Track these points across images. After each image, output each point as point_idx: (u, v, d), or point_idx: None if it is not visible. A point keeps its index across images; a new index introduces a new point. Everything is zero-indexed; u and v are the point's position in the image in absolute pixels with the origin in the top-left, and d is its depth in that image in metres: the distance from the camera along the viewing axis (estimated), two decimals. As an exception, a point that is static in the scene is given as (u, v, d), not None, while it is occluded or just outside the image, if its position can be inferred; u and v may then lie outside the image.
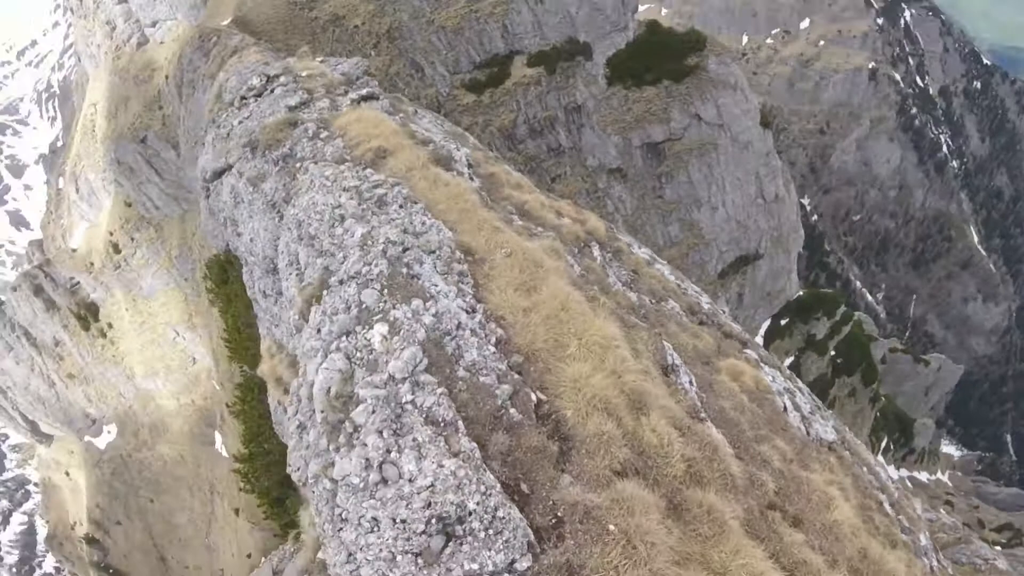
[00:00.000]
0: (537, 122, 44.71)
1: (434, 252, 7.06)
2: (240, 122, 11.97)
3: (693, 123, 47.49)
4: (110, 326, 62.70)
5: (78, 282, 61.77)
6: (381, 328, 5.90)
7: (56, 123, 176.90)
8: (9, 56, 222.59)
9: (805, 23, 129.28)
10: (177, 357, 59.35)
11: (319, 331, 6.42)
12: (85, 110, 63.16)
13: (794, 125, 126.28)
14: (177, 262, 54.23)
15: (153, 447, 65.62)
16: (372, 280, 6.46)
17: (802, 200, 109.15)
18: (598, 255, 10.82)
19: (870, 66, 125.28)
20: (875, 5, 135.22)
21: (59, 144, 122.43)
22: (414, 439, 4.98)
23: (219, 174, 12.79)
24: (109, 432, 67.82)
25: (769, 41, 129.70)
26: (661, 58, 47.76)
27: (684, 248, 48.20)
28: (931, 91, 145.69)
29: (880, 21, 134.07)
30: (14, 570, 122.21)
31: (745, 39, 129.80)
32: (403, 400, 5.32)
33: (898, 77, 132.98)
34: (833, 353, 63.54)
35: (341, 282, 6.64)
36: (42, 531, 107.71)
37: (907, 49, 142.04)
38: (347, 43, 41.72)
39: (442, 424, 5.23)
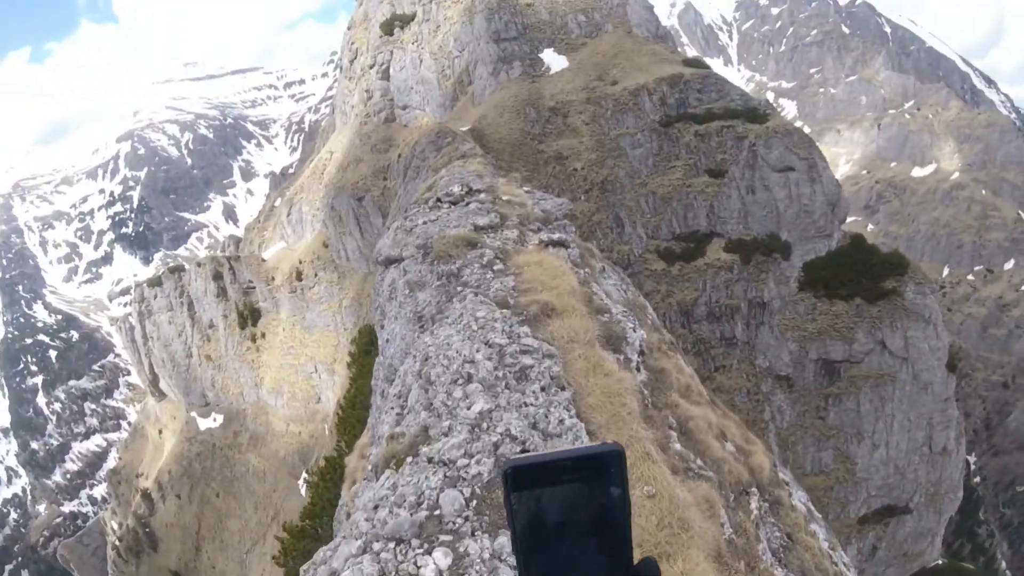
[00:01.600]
0: (719, 307, 43.18)
1: (562, 466, 5.41)
2: (424, 223, 11.37)
3: (876, 350, 43.81)
4: (263, 336, 66.69)
5: (254, 287, 66.90)
6: (441, 559, 4.27)
7: (295, 153, 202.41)
8: (277, 83, 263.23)
9: (1010, 263, 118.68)
10: (306, 390, 61.44)
11: (375, 509, 4.91)
12: (322, 153, 70.69)
13: (979, 373, 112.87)
14: (345, 312, 57.16)
15: (245, 452, 67.35)
16: (464, 481, 4.88)
17: (968, 457, 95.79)
18: (755, 508, 8.57)
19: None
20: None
21: (290, 171, 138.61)
22: None
23: (390, 262, 12.22)
24: (215, 420, 70.90)
25: (970, 277, 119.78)
26: (859, 274, 45.23)
27: (831, 480, 42.99)
28: None
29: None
30: (68, 475, 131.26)
31: (946, 271, 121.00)
32: None
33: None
34: (956, 640, 53.13)
35: (429, 461, 5.13)
36: (111, 462, 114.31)
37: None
38: (563, 181, 43.37)
39: None
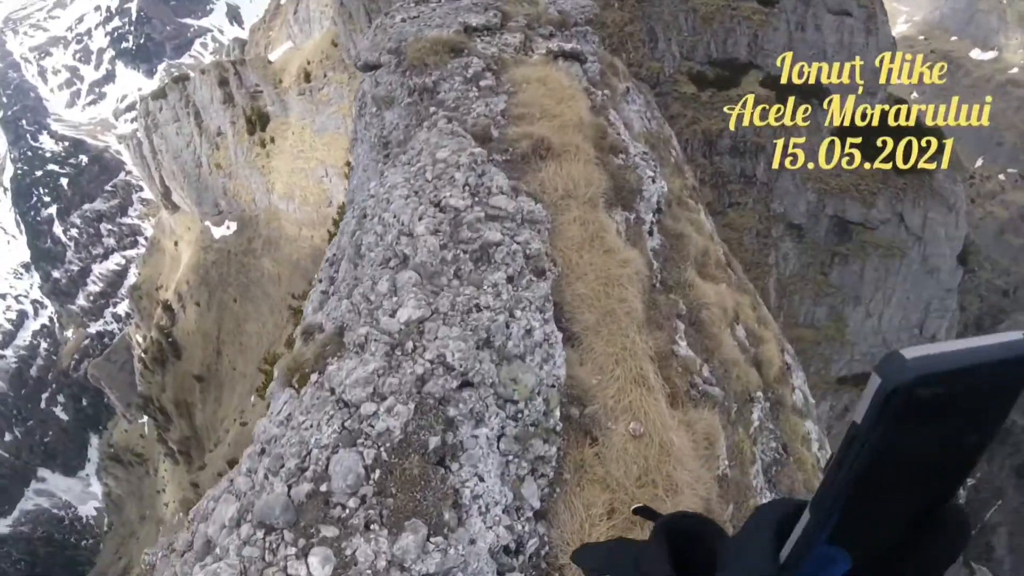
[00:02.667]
0: (743, 143, 39.89)
1: (517, 404, 3.53)
2: (403, 20, 8.63)
3: (893, 221, 41.70)
4: (272, 140, 63.81)
5: (261, 91, 62.82)
6: (317, 567, 2.59)
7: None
8: None
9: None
10: (317, 193, 59.77)
11: (260, 454, 3.20)
12: (330, -56, 62.66)
13: (984, 272, 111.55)
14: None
15: (259, 257, 67.42)
16: (367, 439, 2.98)
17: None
18: (756, 419, 7.01)
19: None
20: None
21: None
22: None
23: (368, 68, 9.64)
24: (229, 228, 70.21)
25: (1002, 177, 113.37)
26: (895, 141, 41.59)
27: (819, 336, 42.93)
28: None
29: None
30: (91, 297, 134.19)
31: (980, 162, 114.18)
32: None
33: None
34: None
35: (332, 393, 3.28)
36: (131, 279, 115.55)
37: None
38: (597, -15, 37.97)
39: None
